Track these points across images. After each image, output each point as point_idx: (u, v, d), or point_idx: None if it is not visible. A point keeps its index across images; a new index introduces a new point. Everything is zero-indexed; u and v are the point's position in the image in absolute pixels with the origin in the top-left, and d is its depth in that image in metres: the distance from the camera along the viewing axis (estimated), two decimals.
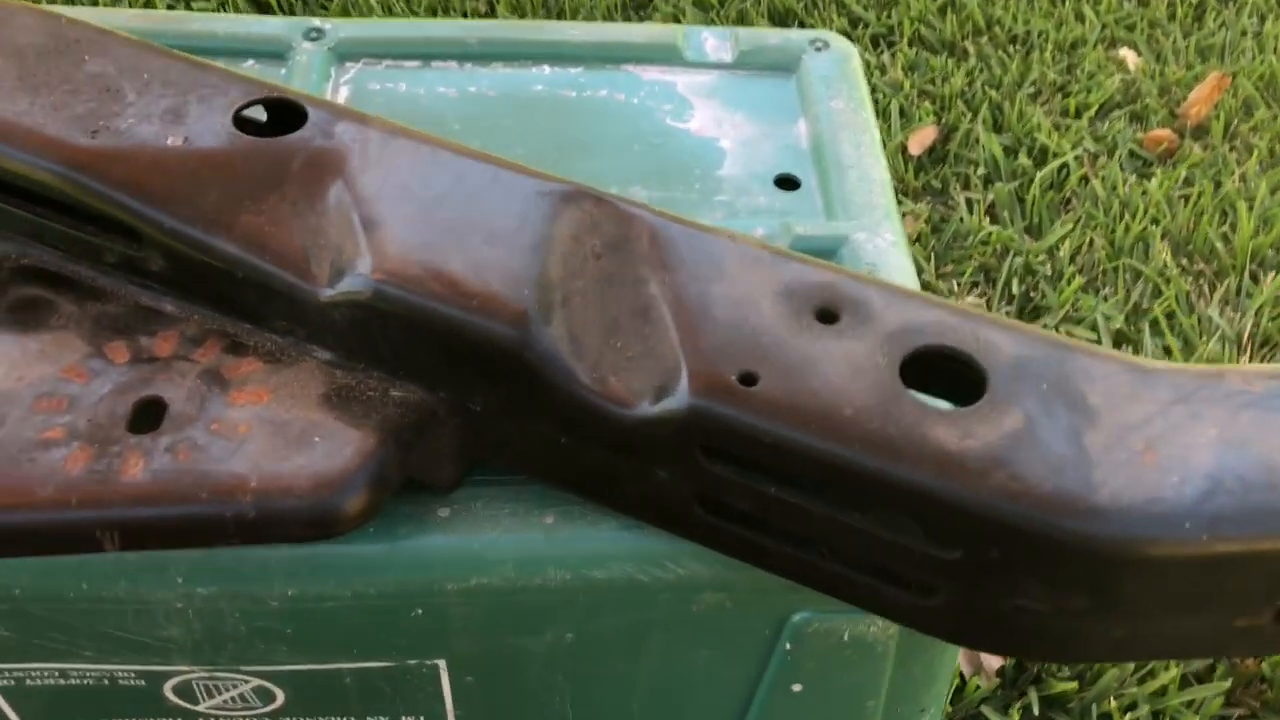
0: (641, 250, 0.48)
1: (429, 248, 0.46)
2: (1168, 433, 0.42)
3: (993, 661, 0.98)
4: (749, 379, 0.42)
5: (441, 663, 0.54)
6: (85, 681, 0.54)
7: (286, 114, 0.52)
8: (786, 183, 0.67)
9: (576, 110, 0.71)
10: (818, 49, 0.75)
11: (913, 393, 0.42)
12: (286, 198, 0.49)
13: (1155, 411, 0.42)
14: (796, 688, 0.56)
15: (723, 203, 0.66)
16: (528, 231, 0.47)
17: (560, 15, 1.73)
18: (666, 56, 0.75)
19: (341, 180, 0.49)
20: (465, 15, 1.70)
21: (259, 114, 0.54)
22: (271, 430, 0.45)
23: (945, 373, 0.44)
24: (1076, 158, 1.54)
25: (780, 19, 1.76)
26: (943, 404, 0.43)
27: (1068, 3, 1.83)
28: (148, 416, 0.45)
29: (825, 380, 0.42)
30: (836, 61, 0.75)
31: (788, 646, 0.54)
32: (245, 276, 0.47)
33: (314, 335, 0.48)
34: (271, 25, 0.73)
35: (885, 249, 0.63)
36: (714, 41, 0.76)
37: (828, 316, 0.45)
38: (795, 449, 0.41)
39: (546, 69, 0.73)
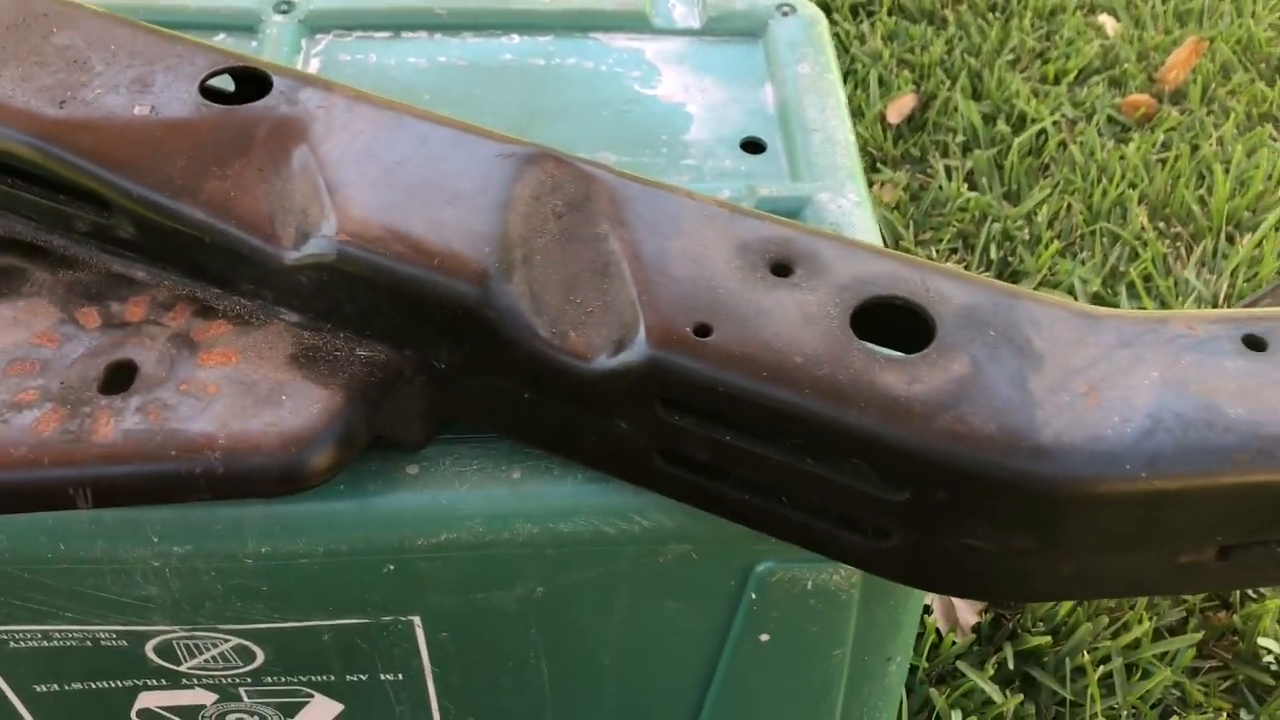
0: (601, 209, 0.49)
1: (392, 209, 0.47)
2: (1111, 375, 0.43)
3: (968, 618, 0.99)
4: (703, 330, 0.44)
5: (416, 619, 0.55)
6: (68, 643, 0.55)
7: (252, 83, 0.53)
8: (752, 146, 0.68)
9: (545, 78, 0.72)
10: (784, 14, 0.76)
11: (863, 341, 0.44)
12: (252, 164, 0.50)
13: (1099, 355, 0.44)
14: (764, 638, 0.58)
15: (690, 166, 0.67)
16: (490, 192, 0.48)
17: None
18: (635, 24, 0.75)
19: (306, 145, 0.50)
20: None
21: (226, 84, 0.55)
22: (240, 390, 0.46)
23: (896, 322, 0.45)
24: (1055, 123, 1.55)
25: None
26: (893, 352, 0.44)
27: None
28: (119, 379, 0.47)
29: (777, 330, 0.43)
30: (803, 26, 0.75)
31: (753, 596, 0.55)
32: (212, 241, 0.48)
33: (281, 298, 0.49)
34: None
35: (849, 209, 0.64)
36: (682, 8, 0.77)
37: (782, 270, 0.46)
38: (748, 397, 0.42)
39: (516, 38, 0.74)
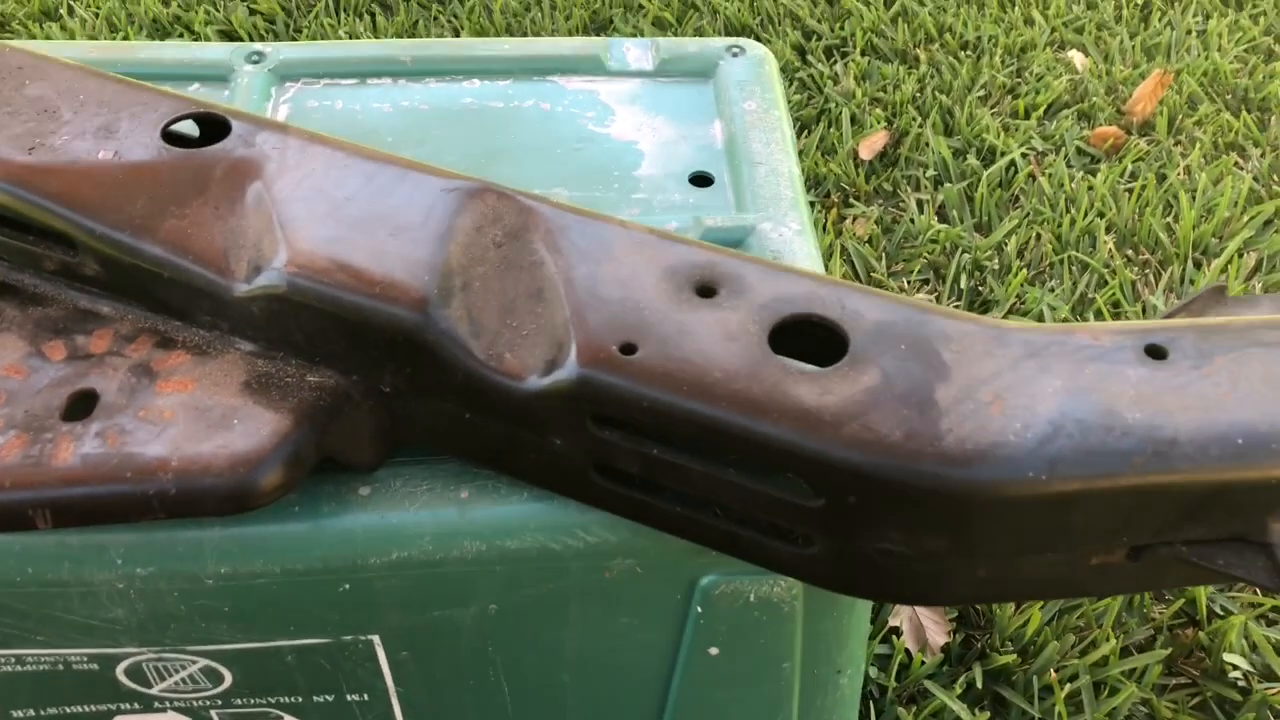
0: (538, 237, 0.51)
1: (338, 241, 0.50)
2: (1016, 384, 0.45)
3: (937, 638, 1.01)
4: (629, 349, 0.46)
5: (376, 638, 0.57)
6: (40, 667, 0.57)
7: (213, 127, 0.56)
8: (700, 180, 0.71)
9: (503, 120, 0.75)
10: (734, 54, 0.79)
11: (780, 357, 0.46)
12: (209, 202, 0.52)
13: (1005, 366, 0.46)
14: (713, 651, 0.60)
15: (640, 200, 0.70)
16: (432, 224, 0.51)
17: (515, 36, 1.77)
18: (590, 67, 0.79)
19: (260, 184, 0.53)
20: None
21: (192, 129, 0.58)
22: (194, 415, 0.48)
23: (813, 339, 0.47)
24: (1024, 156, 1.59)
25: (736, 35, 1.81)
26: (808, 366, 0.46)
27: (1017, 8, 1.88)
28: (80, 407, 0.49)
29: (699, 348, 0.46)
30: (751, 65, 0.79)
31: (699, 610, 0.57)
32: (171, 276, 0.51)
33: (236, 328, 0.52)
34: (214, 50, 0.77)
35: (790, 237, 0.66)
36: (636, 51, 0.80)
37: (706, 291, 0.49)
38: (670, 411, 0.45)
39: (476, 82, 0.77)
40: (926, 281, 1.42)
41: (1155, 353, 0.47)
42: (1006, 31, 1.83)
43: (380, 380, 0.50)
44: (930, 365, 0.46)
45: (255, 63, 0.77)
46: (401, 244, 0.50)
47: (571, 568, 0.55)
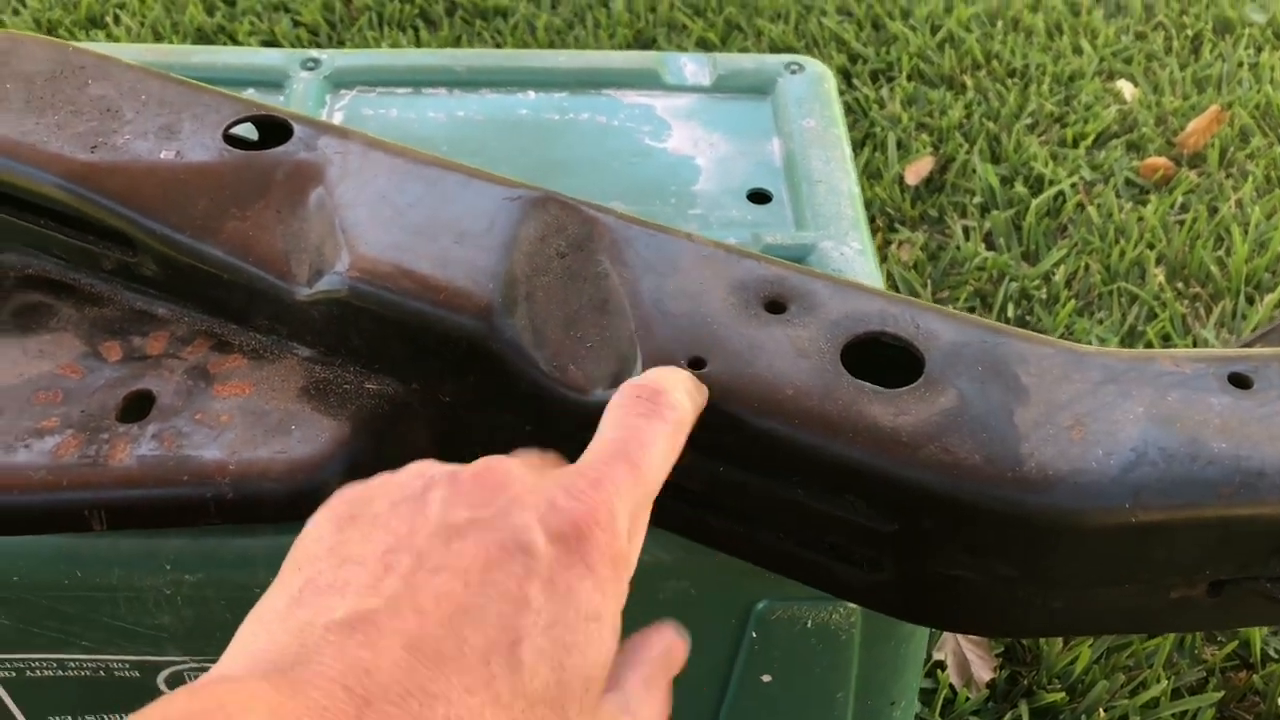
0: (603, 248, 0.50)
1: (401, 248, 0.49)
2: (1096, 410, 0.44)
3: (983, 674, 0.99)
4: (697, 363, 0.45)
5: None
6: (82, 673, 0.56)
7: (274, 130, 0.56)
8: (759, 197, 0.70)
9: (559, 132, 0.74)
10: (793, 72, 0.78)
11: (853, 376, 0.45)
12: (270, 205, 0.52)
13: (1085, 390, 0.45)
14: (766, 678, 0.58)
15: (697, 216, 0.69)
16: (496, 232, 0.50)
17: None
18: (647, 81, 0.78)
19: (322, 188, 0.52)
20: None
21: (250, 133, 0.57)
22: (251, 420, 0.48)
23: (886, 358, 0.46)
24: (1073, 185, 1.57)
25: None
26: (881, 387, 0.45)
27: (1066, 36, 1.86)
28: (137, 408, 0.48)
29: (769, 364, 0.45)
30: (810, 83, 0.78)
31: (753, 635, 0.56)
32: (231, 279, 0.50)
33: (295, 333, 0.51)
34: (270, 56, 0.77)
35: (852, 256, 0.65)
36: (693, 66, 0.79)
37: (776, 307, 0.48)
38: (740, 428, 0.44)
39: (532, 94, 0.77)
40: (973, 309, 1.40)
41: (1239, 381, 0.46)
42: (1054, 60, 1.81)
43: (440, 390, 0.49)
44: (1008, 388, 0.44)
45: (310, 69, 0.76)
46: (465, 251, 0.49)
47: None
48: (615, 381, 0.46)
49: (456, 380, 0.48)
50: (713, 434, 0.44)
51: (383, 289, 0.48)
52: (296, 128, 0.55)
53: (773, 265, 0.50)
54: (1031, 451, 0.42)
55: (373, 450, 0.48)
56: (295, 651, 0.31)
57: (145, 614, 0.53)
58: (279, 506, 0.46)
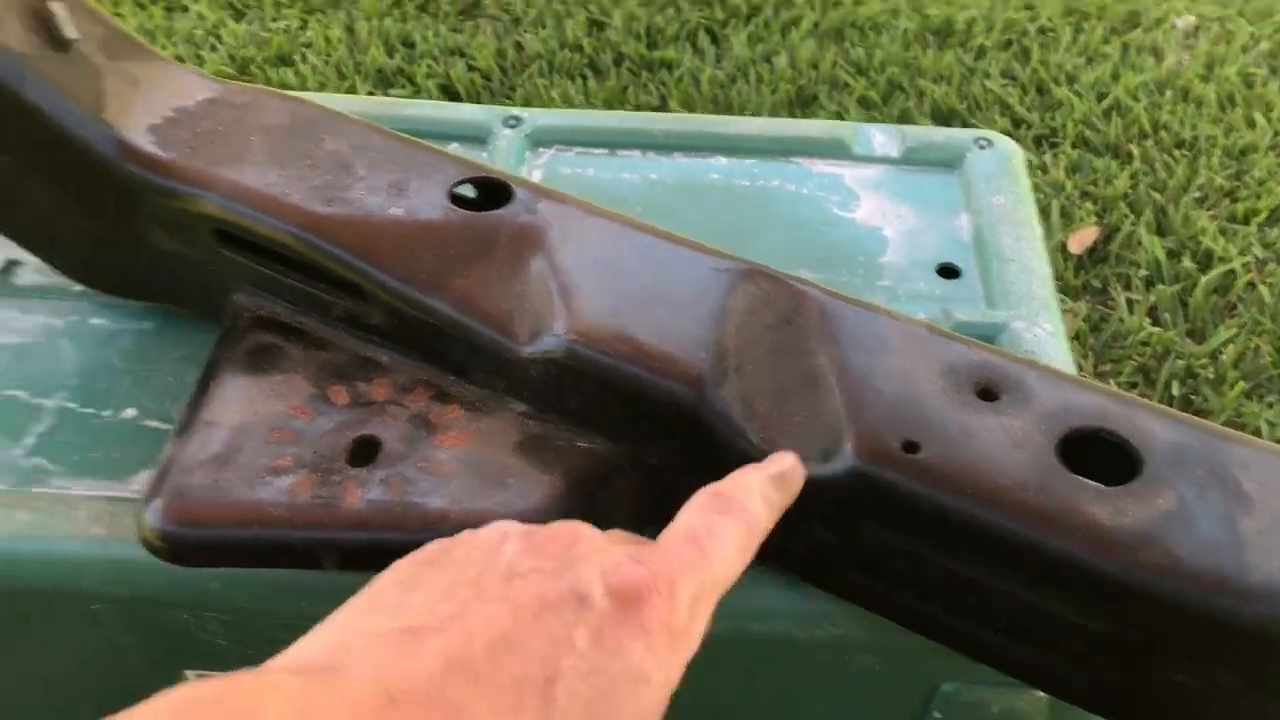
0: (811, 324, 0.51)
1: (617, 314, 0.51)
2: None
3: None
4: (911, 446, 0.45)
5: None
6: None
7: (494, 192, 0.58)
8: (948, 271, 0.70)
9: (749, 198, 0.76)
10: (981, 147, 0.79)
11: (1068, 470, 0.45)
12: (494, 265, 0.54)
13: None
14: None
15: (885, 288, 0.69)
16: (706, 303, 0.52)
17: (728, 110, 1.80)
18: (836, 151, 0.79)
19: (542, 252, 0.55)
20: (638, 108, 1.79)
21: (469, 191, 0.60)
22: (472, 470, 0.50)
23: (1101, 454, 0.46)
24: (1244, 264, 1.52)
25: (943, 119, 1.80)
26: (1098, 484, 0.45)
27: (1238, 109, 1.81)
28: (365, 452, 0.51)
29: (984, 452, 0.45)
30: (1000, 159, 0.78)
31: (938, 716, 0.56)
32: (454, 333, 0.53)
33: (512, 388, 0.53)
34: (474, 112, 0.81)
35: (1044, 338, 0.65)
36: (881, 138, 0.80)
37: (987, 394, 0.48)
38: (953, 515, 0.44)
39: (722, 160, 0.79)
40: (1135, 385, 1.36)
41: None
42: (1226, 132, 1.76)
43: (648, 452, 0.51)
44: (1231, 494, 0.44)
45: (512, 127, 0.80)
46: (678, 321, 0.51)
47: (813, 658, 0.54)
48: (825, 457, 0.47)
49: (665, 445, 0.50)
50: (924, 519, 0.45)
51: (600, 353, 0.50)
52: (517, 191, 0.58)
53: (982, 350, 0.50)
54: (1257, 562, 0.41)
55: (584, 507, 0.50)
56: (340, 654, 0.33)
57: None
58: None
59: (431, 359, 0.55)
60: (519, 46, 1.93)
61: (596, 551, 0.37)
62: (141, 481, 0.57)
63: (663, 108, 1.81)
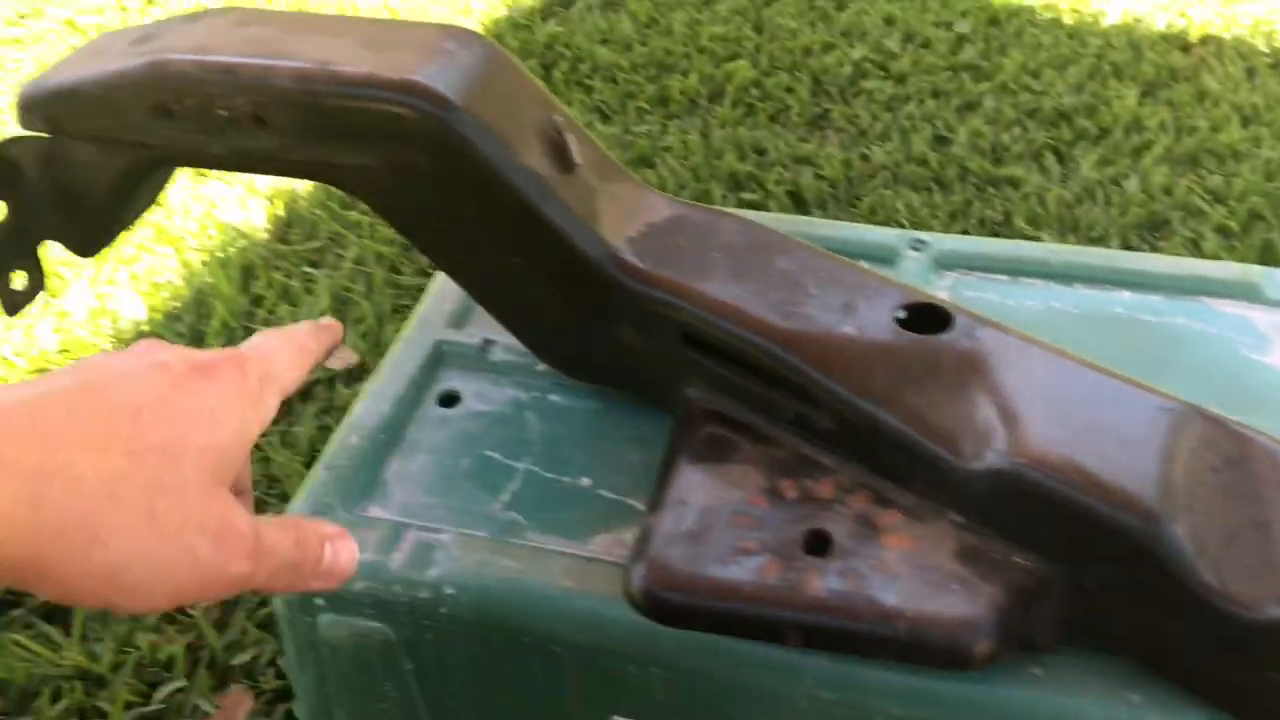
0: (1259, 471, 0.53)
1: (1065, 442, 0.55)
2: None
3: None
4: None
5: None
6: None
7: (935, 316, 0.64)
8: None
9: (1154, 334, 0.78)
10: None
11: None
12: (939, 386, 0.60)
13: None
14: None
15: None
16: (1153, 440, 0.55)
17: (1074, 231, 1.80)
18: (1245, 293, 0.80)
19: (984, 377, 0.60)
20: (982, 223, 1.82)
21: (907, 312, 0.66)
22: (917, 572, 0.55)
23: None
24: None
25: None
26: None
27: None
28: (817, 544, 0.57)
29: None
30: None
31: None
32: (900, 444, 0.58)
33: (950, 500, 0.58)
34: (882, 234, 0.87)
35: None
36: None
37: None
38: None
39: (1125, 294, 0.81)
40: None
41: None
42: None
43: (1085, 576, 0.54)
44: None
45: (918, 250, 0.85)
46: (1126, 455, 0.54)
47: None
48: None
49: (1108, 572, 0.53)
50: None
51: (1051, 478, 0.54)
52: (957, 317, 0.63)
53: None
54: None
55: (1019, 619, 0.54)
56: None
57: (765, 714, 0.61)
58: (943, 656, 0.52)
59: (874, 466, 0.61)
60: (865, 157, 2.00)
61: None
62: (599, 543, 0.66)
63: (1007, 224, 1.82)
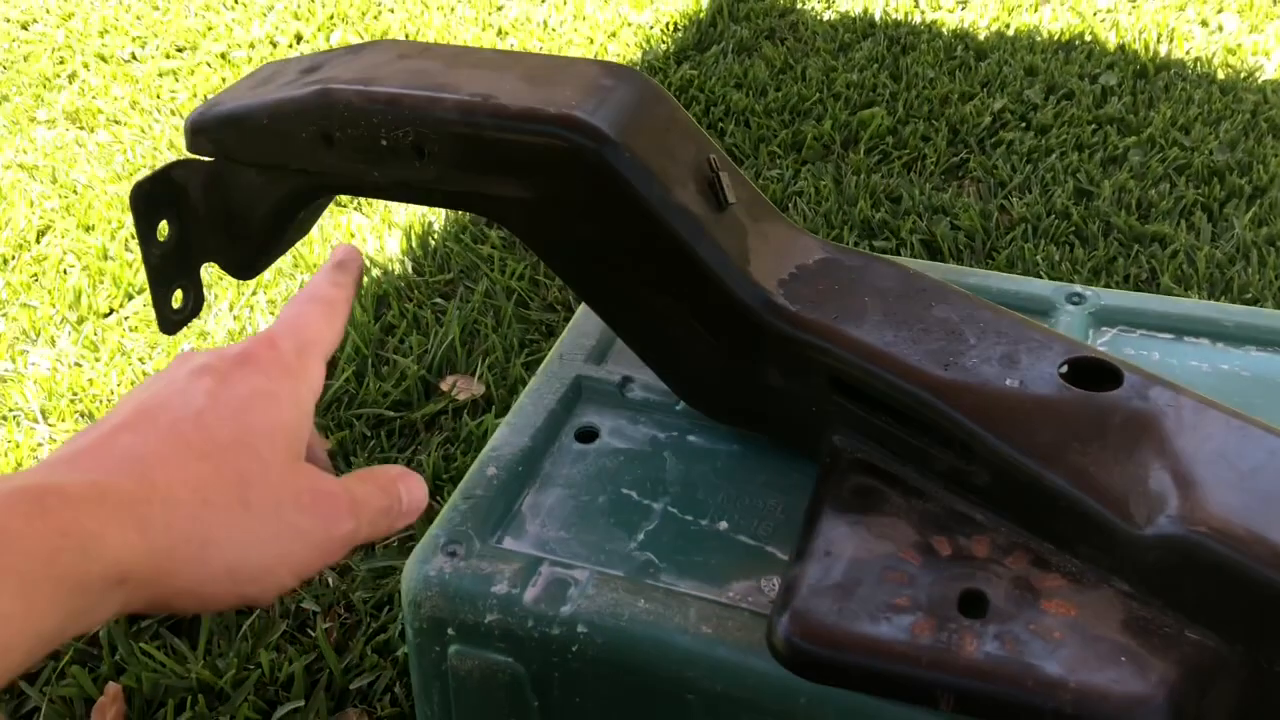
0: None
1: (1247, 511, 0.52)
2: None
3: None
4: None
5: None
6: None
7: (1103, 373, 0.61)
8: None
9: None
10: None
11: None
12: (1107, 446, 0.57)
13: None
14: None
15: None
16: None
17: (1225, 292, 1.72)
18: None
19: (1156, 439, 0.56)
20: (1126, 280, 1.75)
21: (1072, 368, 0.63)
22: (1082, 641, 0.52)
23: None
24: None
25: None
26: None
27: None
28: (973, 605, 0.54)
29: None
30: None
31: None
32: (1065, 506, 0.56)
33: (1116, 567, 0.55)
34: (1038, 286, 0.84)
35: None
36: None
37: None
38: None
39: None
40: None
41: None
42: None
43: (1269, 658, 0.50)
44: None
45: (1076, 304, 0.82)
46: None
47: None
48: None
49: None
50: None
51: (1232, 549, 0.50)
52: (1127, 375, 0.60)
53: None
54: None
55: (1195, 699, 0.50)
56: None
57: None
58: None
59: (1032, 526, 0.58)
60: (1003, 209, 1.96)
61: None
62: (736, 590, 0.64)
63: (1153, 282, 1.76)
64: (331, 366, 1.64)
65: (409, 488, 0.50)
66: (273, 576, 0.43)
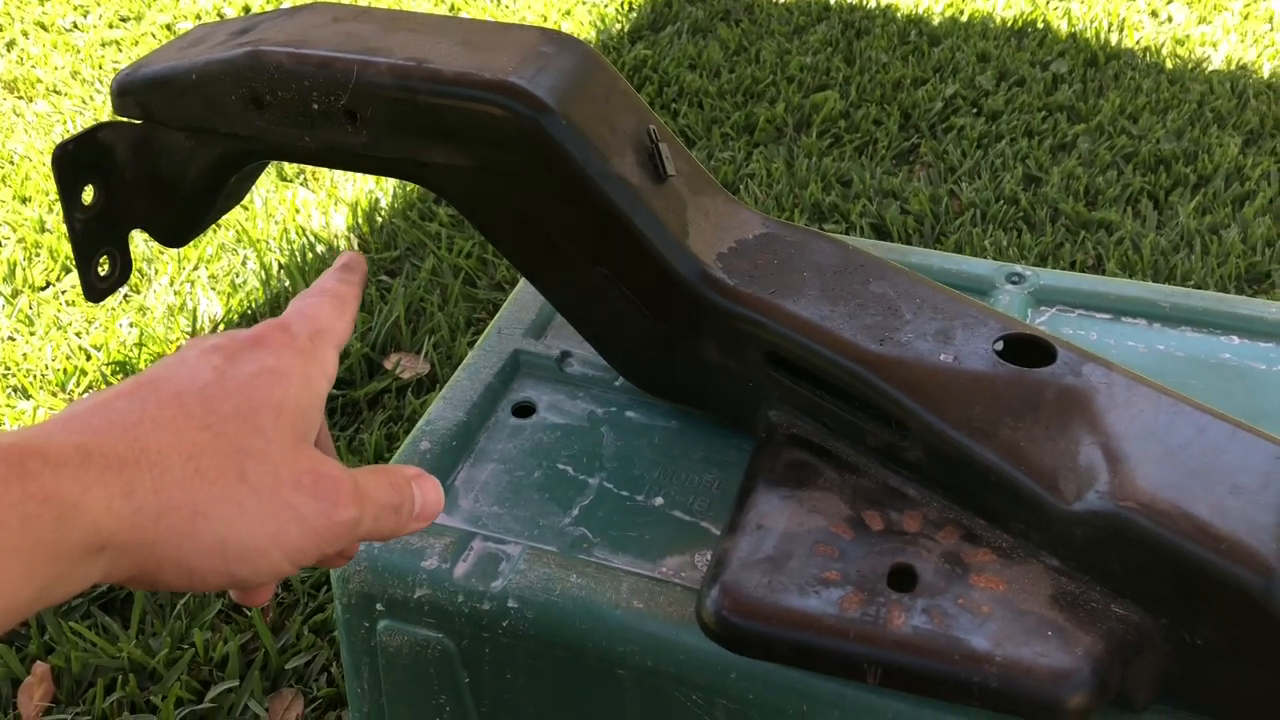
0: None
1: (1175, 488, 0.52)
2: None
3: None
4: None
5: None
6: None
7: (1037, 350, 0.61)
8: None
9: (1263, 382, 0.74)
10: None
11: None
12: (1039, 421, 0.56)
13: None
14: None
15: None
16: (1270, 490, 0.51)
17: (1169, 279, 1.74)
18: None
19: (1088, 415, 0.56)
20: (1073, 265, 1.77)
21: (1007, 345, 0.63)
22: (1009, 616, 0.52)
23: None
24: None
25: None
26: None
27: None
28: (902, 580, 0.54)
29: None
30: None
31: None
32: (996, 481, 0.55)
33: (1046, 542, 0.55)
34: (979, 265, 0.84)
35: None
36: None
37: None
38: None
39: (1235, 339, 0.77)
40: None
41: None
42: None
43: (1190, 631, 0.50)
44: None
45: (1015, 283, 0.82)
46: (1240, 504, 0.51)
47: None
48: None
49: (1215, 627, 0.50)
50: None
51: (1159, 525, 0.50)
52: (1060, 352, 0.60)
53: None
54: None
55: (1118, 673, 0.50)
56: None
57: None
58: (1034, 707, 0.49)
59: (962, 500, 0.58)
60: (953, 194, 1.97)
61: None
62: (670, 565, 0.64)
63: (1099, 268, 1.77)
64: None
65: (424, 489, 0.48)
66: (265, 557, 0.41)
